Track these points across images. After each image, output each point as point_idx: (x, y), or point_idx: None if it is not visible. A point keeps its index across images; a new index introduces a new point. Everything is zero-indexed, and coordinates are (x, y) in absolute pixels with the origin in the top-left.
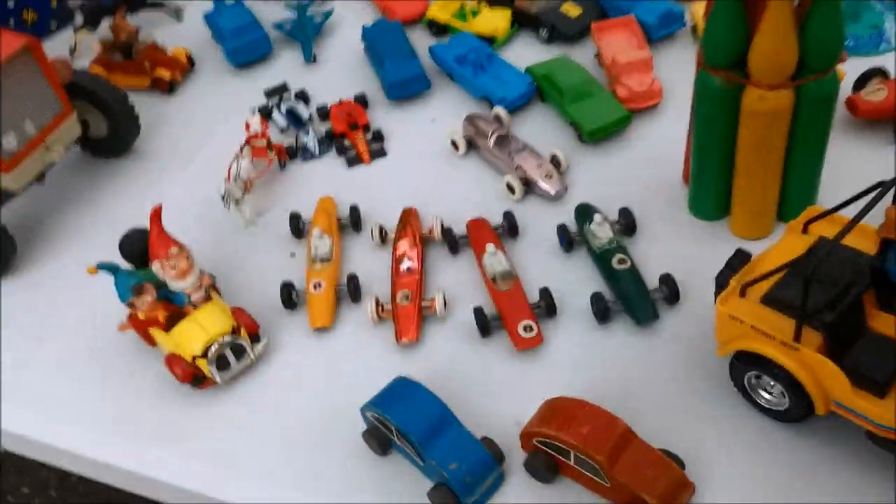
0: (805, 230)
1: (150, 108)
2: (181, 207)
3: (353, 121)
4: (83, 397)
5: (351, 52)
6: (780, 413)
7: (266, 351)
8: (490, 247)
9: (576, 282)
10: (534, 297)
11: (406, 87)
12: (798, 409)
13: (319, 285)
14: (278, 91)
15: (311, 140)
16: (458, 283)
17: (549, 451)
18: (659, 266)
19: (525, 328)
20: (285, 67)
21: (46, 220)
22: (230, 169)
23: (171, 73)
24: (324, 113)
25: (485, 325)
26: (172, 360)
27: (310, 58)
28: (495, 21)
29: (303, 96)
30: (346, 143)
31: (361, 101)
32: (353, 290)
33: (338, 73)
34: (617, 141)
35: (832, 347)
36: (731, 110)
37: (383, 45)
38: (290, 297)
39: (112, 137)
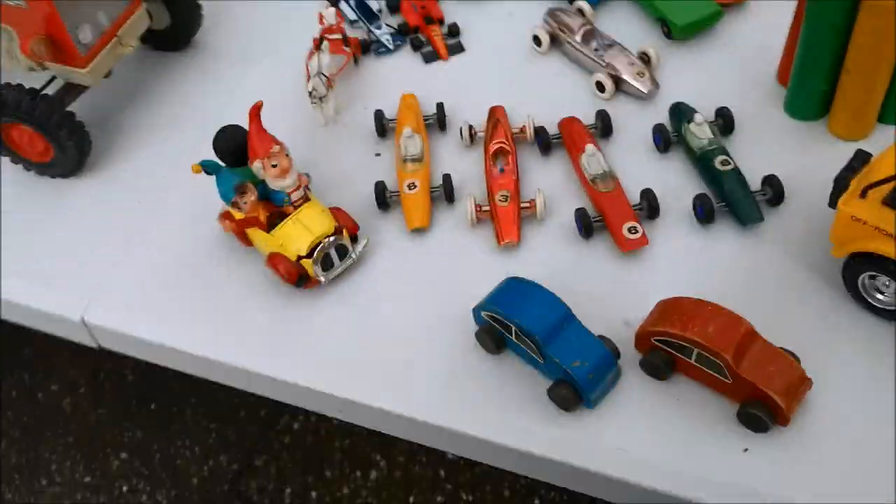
0: None
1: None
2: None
3: (426, 13)
4: (181, 297)
5: None
6: (894, 312)
7: (366, 251)
8: (590, 147)
9: (675, 183)
10: (633, 198)
11: None
12: None
13: (414, 185)
14: None
15: (384, 34)
16: (553, 184)
17: (668, 350)
18: (758, 167)
19: (630, 230)
20: None
21: (117, 117)
22: (307, 65)
23: None
24: (394, 5)
25: (588, 227)
26: (277, 260)
27: None
28: None
29: None
30: (422, 37)
31: None
32: (448, 190)
33: None
34: (706, 37)
35: None
36: (847, 5)
37: None
38: (384, 197)
39: (175, 28)
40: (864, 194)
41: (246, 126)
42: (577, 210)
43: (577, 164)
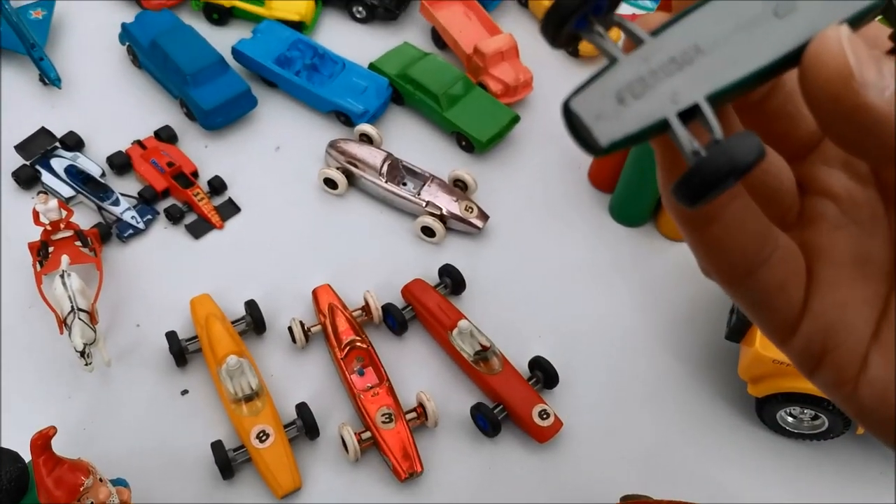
0: None
1: None
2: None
3: (176, 170)
4: None
5: (108, 58)
6: (811, 434)
7: None
8: (463, 323)
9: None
10: (520, 367)
11: (229, 110)
12: (836, 430)
13: (265, 435)
14: (39, 143)
15: (126, 209)
16: (421, 369)
17: None
18: (591, 263)
19: (541, 415)
20: (20, 104)
21: None
22: (43, 297)
23: None
24: (122, 163)
25: (495, 424)
26: None
27: (55, 77)
28: (297, 1)
29: (74, 142)
30: (180, 204)
31: (167, 137)
32: (309, 423)
33: (103, 96)
34: (504, 145)
35: None
36: None
37: (174, 51)
38: (228, 461)
39: None
40: None
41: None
42: (475, 407)
43: (446, 343)
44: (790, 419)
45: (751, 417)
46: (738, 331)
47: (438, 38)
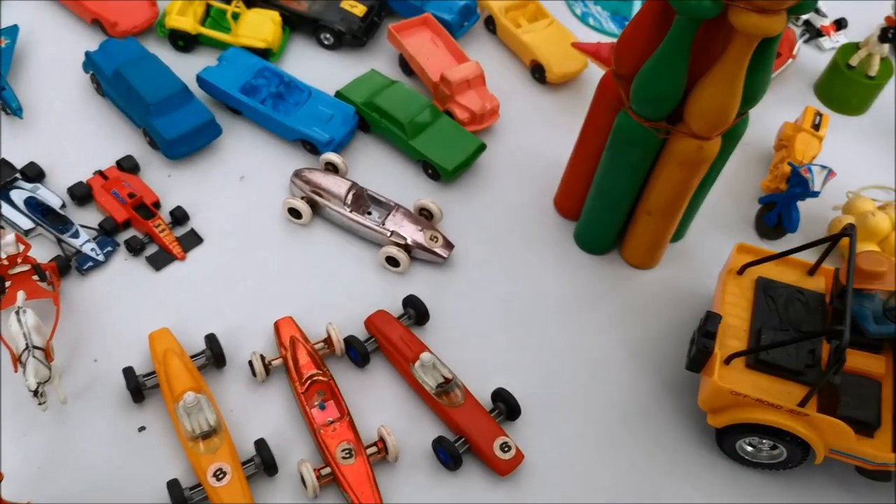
0: (741, 272)
1: None
2: None
3: (137, 201)
4: None
5: (72, 86)
6: (771, 464)
7: None
8: (425, 356)
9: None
10: (482, 399)
11: (193, 139)
12: (795, 459)
13: (222, 473)
14: None
15: (85, 242)
16: (384, 403)
17: None
18: (560, 292)
19: (502, 447)
20: None
21: None
22: (3, 339)
23: None
24: (83, 194)
25: (455, 457)
26: None
27: (17, 108)
28: (263, 27)
29: (35, 174)
30: (140, 235)
31: (129, 167)
32: (268, 461)
33: (65, 125)
34: (469, 174)
35: (827, 402)
36: (651, 155)
37: (136, 80)
38: (183, 501)
39: None
40: (728, 361)
41: None
42: (437, 441)
43: (409, 376)
44: (749, 448)
45: (713, 447)
46: (697, 361)
47: (406, 65)
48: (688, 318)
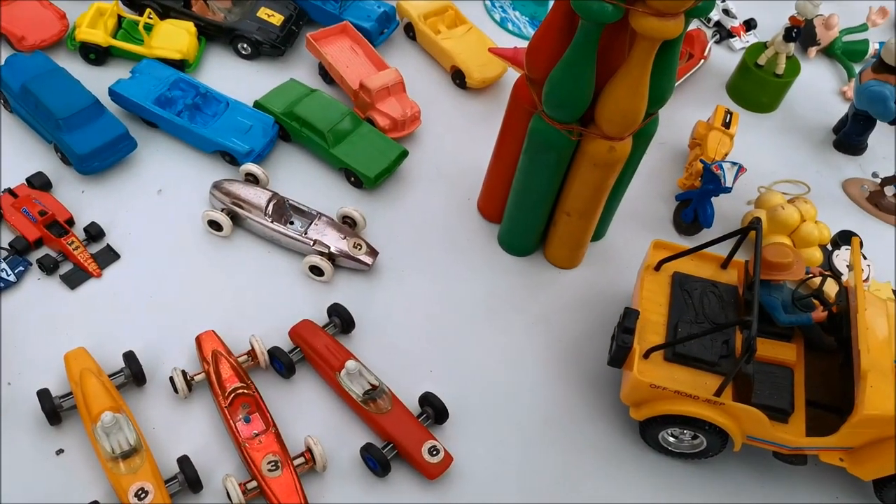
0: (658, 268)
1: None
2: None
3: (49, 219)
4: None
5: None
6: (693, 454)
7: None
8: (350, 364)
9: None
10: (410, 404)
11: (106, 154)
12: (714, 448)
13: (144, 493)
14: None
15: None
16: (309, 412)
17: None
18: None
19: (430, 451)
20: None
21: None
22: None
23: None
24: None
25: (384, 463)
26: None
27: None
28: (178, 38)
29: None
30: (54, 254)
31: (40, 184)
32: (192, 478)
33: None
34: (391, 180)
35: (743, 390)
36: (567, 157)
37: (45, 95)
38: None
39: None
40: (647, 356)
41: None
42: (364, 448)
43: (335, 384)
44: (672, 439)
45: (637, 440)
46: (618, 357)
47: (326, 74)
48: (610, 316)
